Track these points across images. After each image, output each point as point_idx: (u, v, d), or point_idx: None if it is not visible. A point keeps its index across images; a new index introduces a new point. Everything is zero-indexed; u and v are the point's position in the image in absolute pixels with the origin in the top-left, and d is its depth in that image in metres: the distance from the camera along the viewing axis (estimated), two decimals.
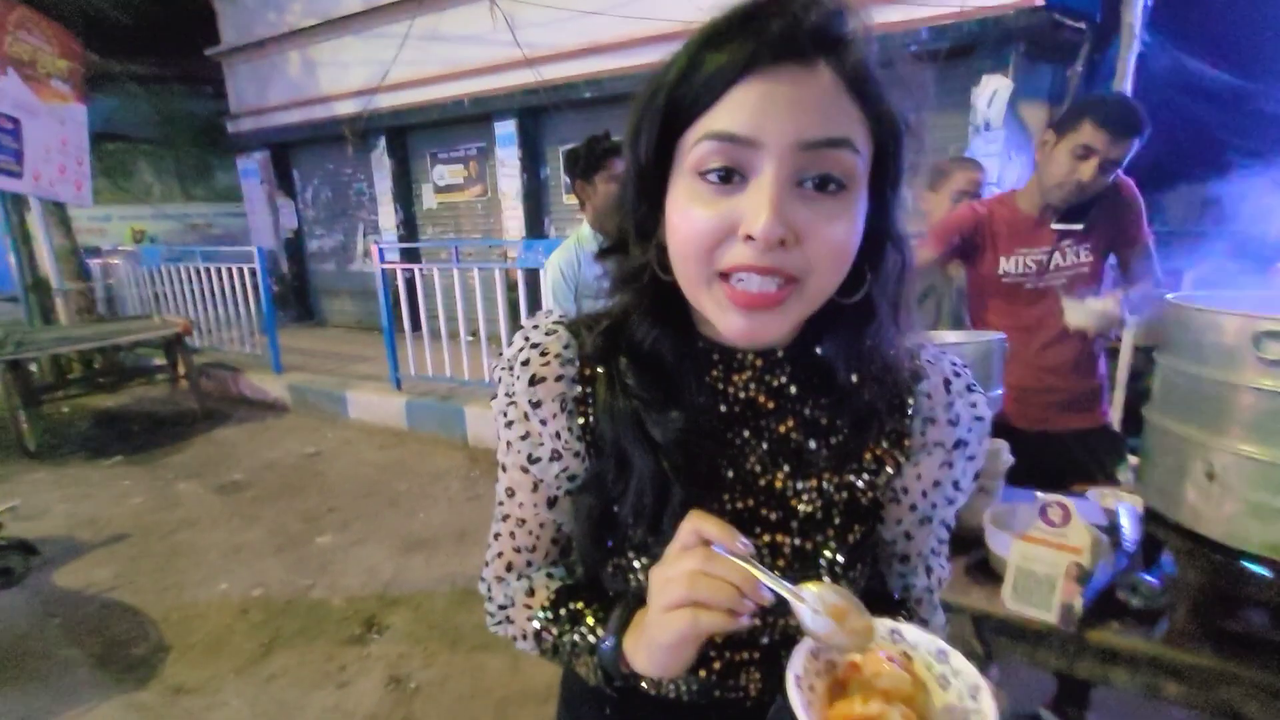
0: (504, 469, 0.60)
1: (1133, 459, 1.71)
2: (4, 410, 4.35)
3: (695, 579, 0.42)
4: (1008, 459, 1.36)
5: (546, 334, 0.57)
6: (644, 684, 0.60)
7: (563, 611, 0.57)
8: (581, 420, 0.56)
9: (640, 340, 0.54)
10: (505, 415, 0.57)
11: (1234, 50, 3.08)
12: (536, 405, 0.55)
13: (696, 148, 0.45)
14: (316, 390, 5.10)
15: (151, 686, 2.12)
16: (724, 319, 0.47)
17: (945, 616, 0.68)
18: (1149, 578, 1.13)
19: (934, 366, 0.58)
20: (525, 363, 0.56)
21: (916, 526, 0.59)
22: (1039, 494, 1.17)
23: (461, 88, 6.00)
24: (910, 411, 0.56)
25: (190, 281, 5.85)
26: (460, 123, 6.35)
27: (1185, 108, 1.48)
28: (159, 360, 5.21)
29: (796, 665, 0.44)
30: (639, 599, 0.51)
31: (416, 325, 4.73)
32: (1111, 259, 1.69)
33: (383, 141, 6.82)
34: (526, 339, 0.57)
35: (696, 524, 0.44)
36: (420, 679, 2.12)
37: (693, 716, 0.60)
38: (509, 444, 0.58)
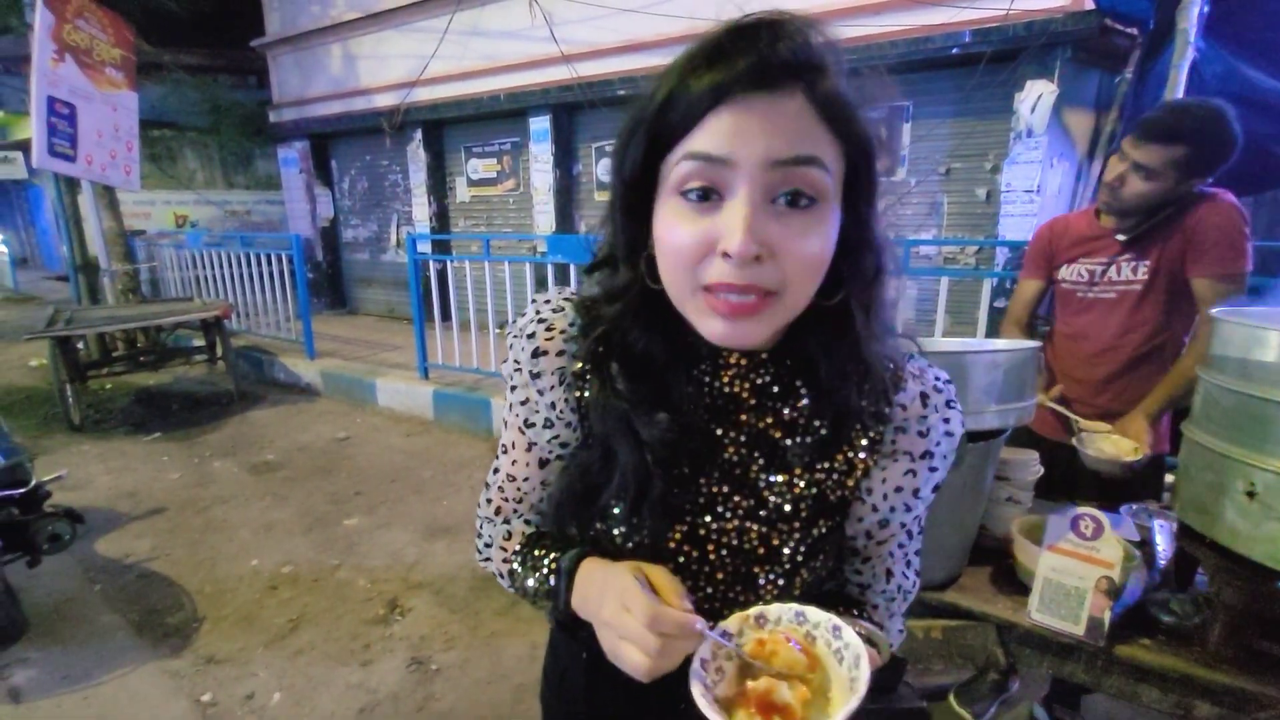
0: (505, 425, 0.67)
1: (1169, 477, 1.67)
2: (52, 384, 4.53)
3: (654, 668, 0.48)
4: (1037, 470, 1.34)
5: (555, 310, 0.61)
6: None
7: (529, 556, 0.64)
8: (578, 394, 0.60)
9: (632, 345, 0.57)
10: (511, 380, 0.63)
11: None
12: (536, 376, 0.60)
13: (678, 167, 0.49)
14: (347, 377, 5.21)
15: (185, 655, 2.20)
16: (707, 325, 0.51)
17: (904, 629, 0.70)
18: (1182, 596, 1.11)
19: (916, 380, 0.60)
20: (531, 335, 0.60)
21: (877, 528, 0.63)
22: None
23: (498, 83, 6.07)
24: (887, 422, 0.59)
25: (229, 266, 6.03)
26: (495, 118, 6.42)
27: (1241, 118, 1.43)
28: (198, 342, 5.38)
29: (704, 650, 0.49)
30: (585, 552, 0.59)
31: (446, 316, 4.80)
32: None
33: (419, 134, 6.93)
34: (537, 313, 0.62)
35: (655, 616, 0.47)
36: (441, 661, 2.17)
37: (657, 688, 0.65)
38: (511, 406, 0.65)
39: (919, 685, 1.90)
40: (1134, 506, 1.36)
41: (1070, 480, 1.60)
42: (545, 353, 0.60)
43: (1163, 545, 1.20)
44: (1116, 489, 1.53)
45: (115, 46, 5.26)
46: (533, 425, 0.63)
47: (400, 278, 7.59)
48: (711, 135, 0.47)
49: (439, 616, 2.40)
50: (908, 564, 0.68)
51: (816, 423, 0.58)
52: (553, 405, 0.60)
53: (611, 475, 0.58)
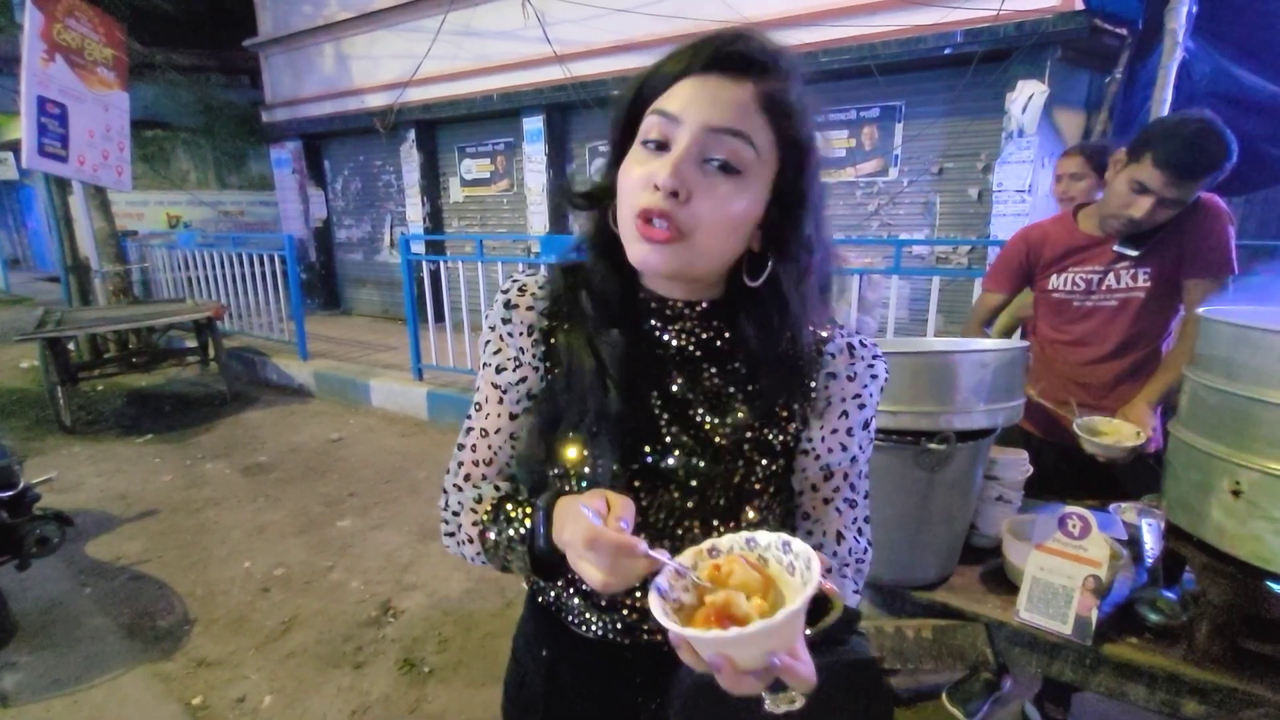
0: (478, 389, 0.73)
1: None
2: (43, 386, 4.51)
3: (607, 583, 0.51)
4: (1026, 469, 1.34)
5: (529, 276, 0.72)
6: (572, 621, 0.72)
7: (500, 514, 0.66)
8: (544, 347, 0.69)
9: (594, 279, 0.67)
10: (486, 339, 0.72)
11: None
12: (507, 322, 0.70)
13: (645, 120, 0.60)
14: (341, 378, 5.19)
15: (176, 658, 2.19)
16: (633, 249, 0.61)
17: (860, 598, 0.72)
18: (1169, 594, 1.11)
19: (843, 337, 0.69)
20: (505, 291, 0.71)
21: (820, 479, 0.69)
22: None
23: (491, 83, 6.06)
24: (818, 370, 0.68)
25: (222, 267, 5.99)
26: (489, 118, 6.41)
27: (1229, 118, 1.43)
28: (190, 343, 5.35)
29: (661, 581, 0.52)
30: (560, 491, 0.63)
31: (440, 317, 4.79)
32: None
33: (412, 134, 6.91)
34: (514, 280, 0.72)
35: (593, 537, 0.51)
36: (433, 663, 2.16)
37: (617, 657, 0.71)
38: (485, 365, 0.71)
39: (912, 686, 1.91)
40: (1123, 505, 1.37)
41: (1061, 478, 1.61)
42: (516, 307, 0.70)
43: (1151, 544, 1.20)
44: (1113, 482, 1.54)
45: (106, 46, 5.22)
46: (503, 370, 0.70)
47: (394, 278, 7.57)
48: (672, 99, 0.59)
49: (432, 618, 2.40)
50: (859, 532, 0.71)
51: (756, 385, 0.66)
52: (521, 350, 0.69)
53: (572, 399, 0.66)
